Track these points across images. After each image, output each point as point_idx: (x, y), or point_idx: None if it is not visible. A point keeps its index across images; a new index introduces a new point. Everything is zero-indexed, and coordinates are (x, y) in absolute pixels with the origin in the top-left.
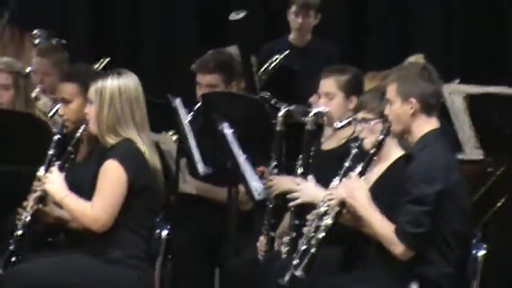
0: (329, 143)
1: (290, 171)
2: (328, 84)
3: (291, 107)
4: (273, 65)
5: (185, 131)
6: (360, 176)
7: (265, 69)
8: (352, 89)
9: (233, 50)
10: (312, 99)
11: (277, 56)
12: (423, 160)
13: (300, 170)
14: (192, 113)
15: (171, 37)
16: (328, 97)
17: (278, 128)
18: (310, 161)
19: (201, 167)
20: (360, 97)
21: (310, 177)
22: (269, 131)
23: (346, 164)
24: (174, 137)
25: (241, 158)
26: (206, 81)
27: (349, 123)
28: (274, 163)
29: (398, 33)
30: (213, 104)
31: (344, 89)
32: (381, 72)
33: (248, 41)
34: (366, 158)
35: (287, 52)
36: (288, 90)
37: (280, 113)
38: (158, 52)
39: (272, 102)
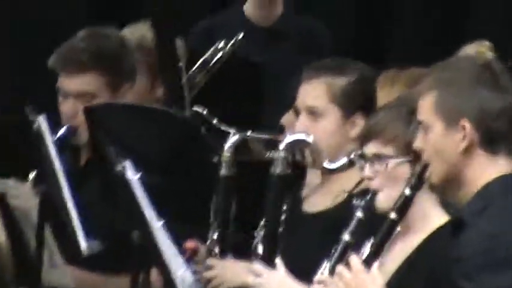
0: (315, 199)
1: (243, 248)
2: (314, 92)
3: (247, 133)
4: (217, 56)
5: (56, 174)
6: (370, 263)
7: (202, 64)
8: (356, 101)
9: (141, 29)
10: (284, 120)
11: (223, 42)
12: (485, 230)
13: (260, 247)
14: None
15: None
16: (313, 114)
17: (224, 171)
18: (280, 230)
19: (83, 241)
20: (370, 117)
21: (279, 261)
22: (207, 176)
23: (345, 238)
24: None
25: (155, 224)
26: (74, 88)
27: (349, 164)
28: (215, 234)
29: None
30: (104, 126)
31: (341, 102)
32: (408, 71)
33: (168, 14)
34: (382, 229)
35: (241, 35)
36: (242, 102)
37: (228, 144)
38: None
39: (213, 123)
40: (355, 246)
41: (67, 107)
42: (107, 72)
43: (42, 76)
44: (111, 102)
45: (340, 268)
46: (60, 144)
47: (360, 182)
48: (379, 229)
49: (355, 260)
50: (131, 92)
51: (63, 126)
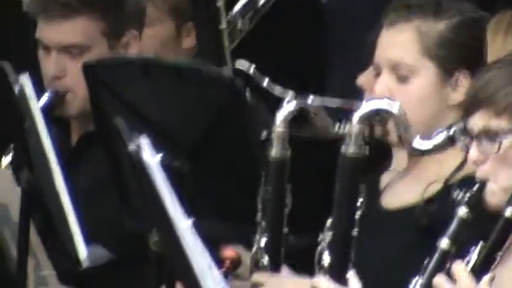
0: (401, 191)
1: (303, 258)
2: (400, 41)
3: (309, 99)
4: None
5: (46, 156)
6: (479, 275)
7: (247, 2)
8: (458, 55)
9: None
10: (360, 81)
11: None
12: None
13: (326, 256)
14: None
15: None
16: (400, 73)
17: (275, 151)
18: (354, 232)
19: (83, 249)
20: (478, 76)
21: (352, 275)
22: (253, 158)
23: (443, 246)
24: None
25: (181, 224)
26: (59, 39)
27: (449, 142)
28: (264, 238)
29: None
30: (110, 89)
31: (438, 55)
32: None
33: None
34: (494, 231)
35: None
36: (301, 56)
37: (282, 114)
38: None
39: (263, 84)
40: (456, 256)
41: (50, 64)
42: (102, 16)
43: (16, 25)
44: (120, 56)
45: (439, 280)
46: (43, 115)
47: (461, 167)
48: (490, 231)
49: (460, 269)
50: (149, 41)
51: (45, 91)
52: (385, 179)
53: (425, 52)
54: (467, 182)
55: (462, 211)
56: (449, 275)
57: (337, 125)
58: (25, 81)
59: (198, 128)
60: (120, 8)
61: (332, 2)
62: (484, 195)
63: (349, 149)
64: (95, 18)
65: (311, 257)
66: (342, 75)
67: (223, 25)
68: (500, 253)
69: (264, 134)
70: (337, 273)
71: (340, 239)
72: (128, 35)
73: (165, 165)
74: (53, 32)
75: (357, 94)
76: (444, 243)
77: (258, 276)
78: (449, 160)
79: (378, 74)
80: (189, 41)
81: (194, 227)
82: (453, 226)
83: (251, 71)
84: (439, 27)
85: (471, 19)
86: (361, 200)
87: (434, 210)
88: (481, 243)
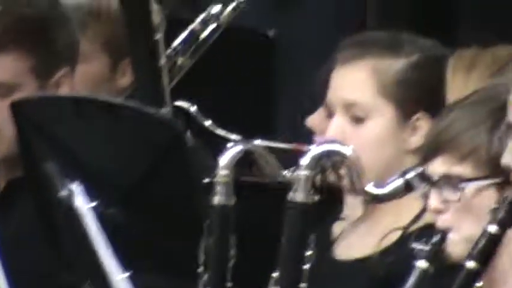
0: (354, 241)
1: None
2: (355, 80)
3: (255, 142)
4: (209, 27)
5: None
6: None
7: (189, 36)
8: (416, 95)
9: None
10: (310, 122)
11: (219, 6)
12: None
13: None
14: None
15: None
16: (354, 114)
17: (219, 198)
18: (303, 286)
19: None
20: (438, 118)
21: None
22: (195, 205)
23: None
24: None
25: (117, 277)
26: None
27: (406, 189)
28: None
29: None
30: (40, 130)
31: (395, 96)
32: (492, 51)
33: None
34: (456, 285)
35: None
36: (247, 95)
37: (226, 157)
38: None
39: (205, 125)
40: None
41: None
42: (31, 52)
43: None
44: (51, 94)
45: None
46: None
47: (420, 216)
48: (451, 285)
49: None
50: (82, 79)
51: None
52: (337, 228)
53: (382, 92)
54: (427, 232)
55: (421, 263)
56: None
57: (286, 170)
58: None
59: (134, 172)
60: (51, 44)
61: (280, 36)
62: (445, 246)
63: (297, 196)
64: (24, 55)
65: None
66: (291, 116)
67: (163, 61)
68: None
69: (207, 179)
70: None
71: None
72: (60, 73)
73: (99, 213)
74: None
75: (307, 137)
76: None
77: None
78: (407, 208)
79: (329, 115)
80: (125, 80)
81: (130, 280)
82: (412, 279)
83: (192, 110)
84: (396, 65)
85: (431, 57)
86: (310, 251)
87: (391, 261)
88: None
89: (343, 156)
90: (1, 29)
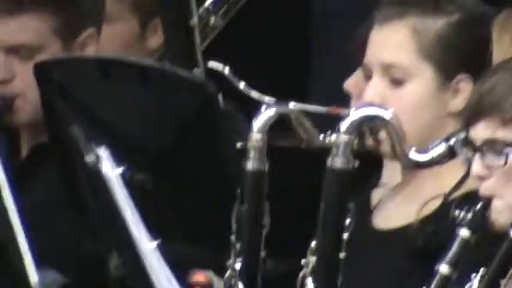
0: (394, 209)
1: (283, 284)
2: (394, 41)
3: (290, 104)
4: None
5: None
6: None
7: None
8: (459, 56)
9: None
10: (348, 84)
11: None
12: None
13: (310, 283)
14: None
15: None
16: (394, 76)
17: (252, 163)
18: (341, 256)
19: (34, 274)
20: (482, 81)
21: None
22: (227, 171)
23: (443, 270)
24: None
25: (146, 246)
26: (6, 38)
27: (449, 155)
28: (239, 262)
29: None
30: (65, 93)
31: (436, 57)
32: None
33: None
34: (499, 255)
35: None
36: (282, 56)
37: (260, 121)
38: None
39: (239, 87)
40: (457, 282)
41: None
42: (54, 13)
43: None
44: (77, 55)
45: None
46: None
47: (462, 182)
48: (494, 255)
49: None
50: (109, 40)
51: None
52: (376, 195)
53: (422, 53)
54: (469, 199)
55: (464, 232)
56: None
57: (323, 134)
58: None
59: (164, 138)
60: (76, 4)
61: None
62: (488, 213)
63: (336, 162)
64: (46, 15)
65: (292, 284)
66: (327, 78)
67: (195, 21)
68: (504, 281)
69: (240, 144)
70: None
71: (326, 264)
72: (85, 34)
73: (127, 180)
74: (0, 30)
75: (344, 100)
76: (444, 267)
77: None
78: (448, 175)
79: (367, 77)
80: (155, 41)
81: (160, 249)
82: (454, 249)
83: (226, 73)
84: (437, 25)
85: (474, 16)
86: (349, 219)
87: (432, 230)
88: (482, 270)
89: (383, 120)
90: None
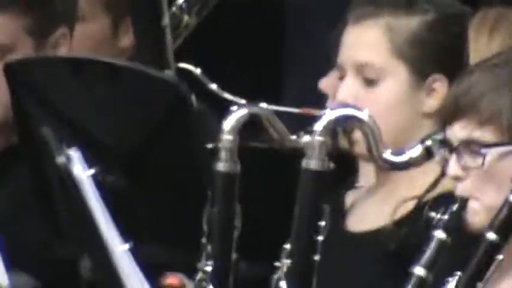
0: (368, 211)
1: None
2: (368, 40)
3: (262, 105)
4: None
5: None
6: None
7: None
8: (434, 56)
9: None
10: (322, 85)
11: None
12: None
13: (283, 285)
14: None
15: None
16: (368, 76)
17: (223, 164)
18: (315, 259)
19: (3, 278)
20: (457, 81)
21: None
22: (198, 172)
23: (418, 273)
24: None
25: (117, 248)
26: None
27: (424, 155)
28: (210, 263)
29: None
30: (35, 94)
31: (411, 56)
32: None
33: None
34: (475, 258)
35: None
36: (254, 56)
37: (231, 121)
38: None
39: (210, 88)
40: (433, 285)
41: None
42: (26, 12)
43: None
44: (47, 55)
45: None
46: None
47: (436, 183)
48: (470, 258)
49: None
50: (81, 39)
51: None
52: (350, 197)
53: (396, 52)
54: (443, 200)
55: (440, 234)
56: None
57: (296, 135)
58: None
59: (135, 138)
60: (48, 3)
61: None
62: (464, 215)
63: (311, 163)
64: (18, 15)
65: (266, 287)
66: (301, 79)
67: (166, 21)
68: (481, 284)
69: (211, 145)
70: None
71: (300, 267)
72: (57, 34)
73: (98, 181)
74: None
75: (317, 100)
76: (419, 270)
77: None
78: (422, 176)
79: (342, 77)
80: (127, 40)
81: (131, 251)
82: (429, 251)
83: (197, 72)
84: (411, 24)
85: (449, 15)
86: (324, 222)
87: (405, 233)
88: (460, 273)
89: (359, 120)
90: None
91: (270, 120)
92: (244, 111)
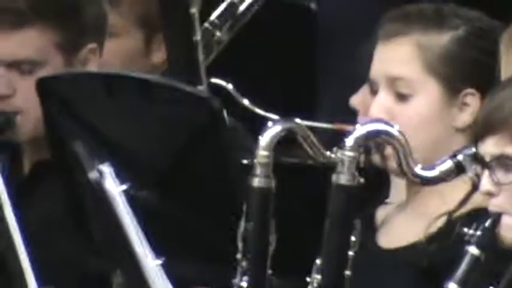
0: (399, 227)
1: None
2: (399, 56)
3: (296, 121)
4: (248, 0)
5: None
6: None
7: (226, 10)
8: (465, 71)
9: None
10: (354, 101)
11: None
12: None
13: None
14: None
15: None
16: (399, 91)
17: (258, 180)
18: (347, 274)
19: None
20: (489, 96)
21: None
22: (233, 188)
23: None
24: None
25: (149, 264)
26: (6, 52)
27: (456, 171)
28: (245, 279)
29: None
30: (69, 109)
31: (442, 72)
32: None
33: None
34: (509, 273)
35: None
36: (288, 72)
37: (266, 138)
38: None
39: (243, 104)
40: None
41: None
42: (56, 27)
43: None
44: (80, 71)
45: None
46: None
47: (467, 199)
48: (504, 274)
49: None
50: (112, 55)
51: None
52: (381, 213)
53: (428, 68)
54: (474, 216)
55: (473, 250)
56: None
57: (329, 151)
58: None
59: (168, 154)
60: (78, 18)
61: (324, 9)
62: (497, 231)
63: (341, 178)
64: (48, 30)
65: None
66: (334, 94)
67: (198, 36)
68: None
69: (245, 161)
70: None
71: (331, 282)
72: (86, 49)
73: (131, 196)
74: (0, 45)
75: (351, 116)
76: (453, 286)
77: None
78: (453, 192)
79: (373, 93)
80: (159, 55)
81: (163, 267)
82: (463, 266)
83: (230, 88)
84: (442, 40)
85: (479, 30)
86: (354, 237)
87: (437, 248)
88: None
89: (390, 136)
90: (25, 3)
91: (305, 136)
92: (279, 127)
